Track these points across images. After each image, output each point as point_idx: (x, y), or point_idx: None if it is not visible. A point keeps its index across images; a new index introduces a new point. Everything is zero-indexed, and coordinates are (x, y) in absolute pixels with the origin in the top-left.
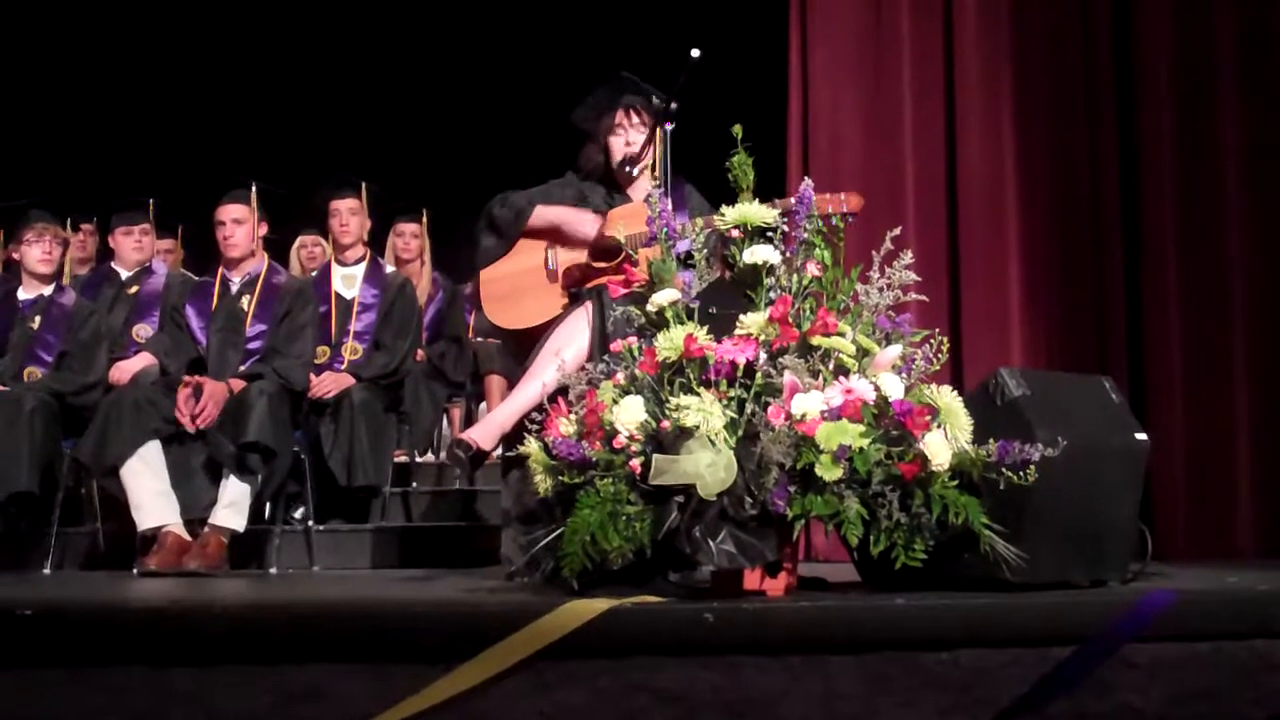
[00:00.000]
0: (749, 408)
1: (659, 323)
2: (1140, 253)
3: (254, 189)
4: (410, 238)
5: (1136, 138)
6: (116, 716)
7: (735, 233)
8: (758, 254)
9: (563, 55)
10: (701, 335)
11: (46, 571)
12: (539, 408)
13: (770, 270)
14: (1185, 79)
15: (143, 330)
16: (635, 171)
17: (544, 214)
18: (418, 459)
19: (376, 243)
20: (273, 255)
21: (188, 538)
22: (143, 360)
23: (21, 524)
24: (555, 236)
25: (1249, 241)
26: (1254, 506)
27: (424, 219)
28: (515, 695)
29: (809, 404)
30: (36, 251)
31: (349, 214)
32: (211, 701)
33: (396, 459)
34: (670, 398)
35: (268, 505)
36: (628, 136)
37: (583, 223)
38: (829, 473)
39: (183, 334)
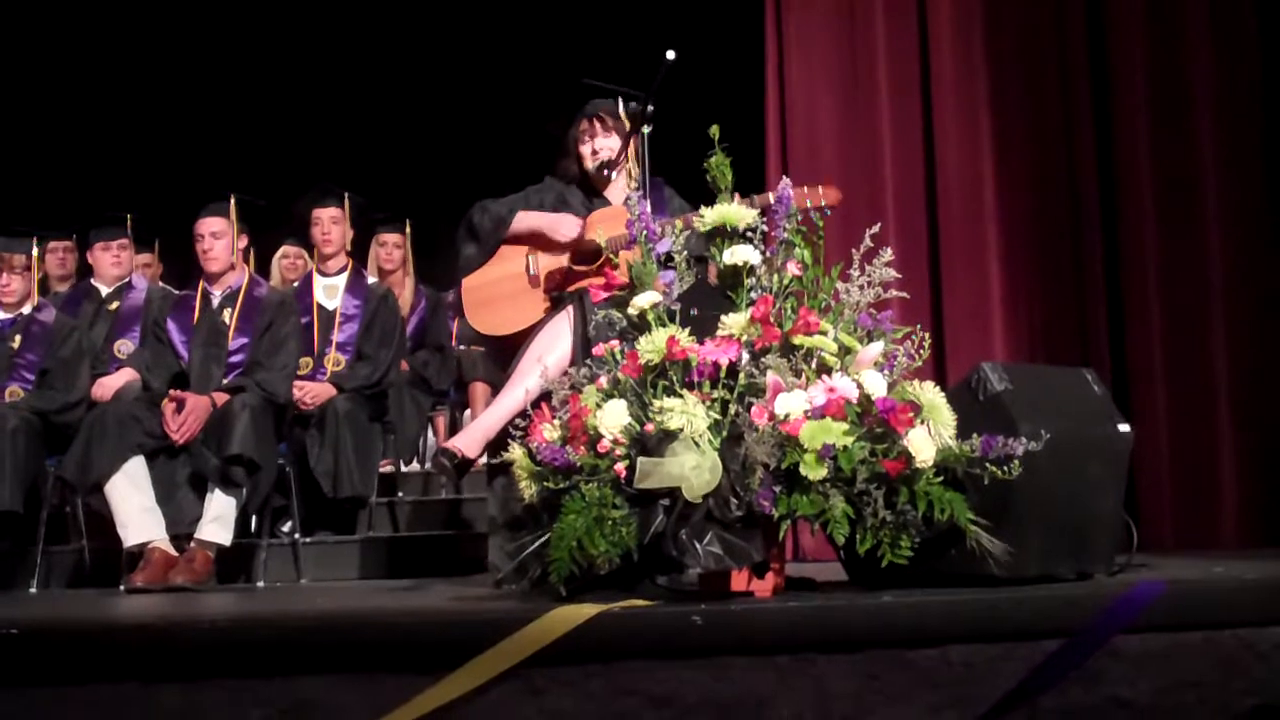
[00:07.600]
0: (732, 409)
1: (641, 325)
2: (1120, 244)
3: (233, 201)
4: (393, 248)
5: (1113, 129)
6: None
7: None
8: (738, 254)
9: (541, 61)
10: (684, 337)
11: (32, 590)
12: (523, 414)
13: (751, 270)
14: (1160, 76)
15: (124, 346)
16: (613, 175)
17: (524, 220)
18: (403, 468)
19: (358, 253)
20: (254, 266)
21: (174, 553)
22: (125, 376)
23: (6, 543)
24: (537, 242)
25: (1227, 233)
26: (1238, 496)
27: (406, 229)
28: (506, 702)
29: (792, 404)
30: None
31: (330, 223)
32: (201, 717)
33: (382, 469)
34: (654, 400)
35: (254, 518)
36: (594, 144)
37: (563, 224)
38: (814, 472)
39: (165, 349)
